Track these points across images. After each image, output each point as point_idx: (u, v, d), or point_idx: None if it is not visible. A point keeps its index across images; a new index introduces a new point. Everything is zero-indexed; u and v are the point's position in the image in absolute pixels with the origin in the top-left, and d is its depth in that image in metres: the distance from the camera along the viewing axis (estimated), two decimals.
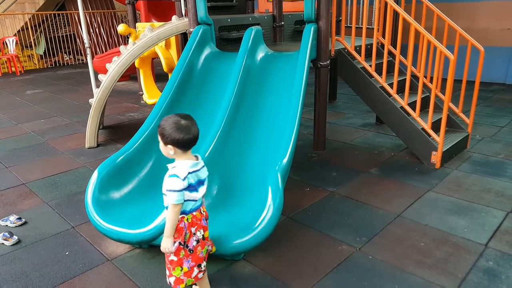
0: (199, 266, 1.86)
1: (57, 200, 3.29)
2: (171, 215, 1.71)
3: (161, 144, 1.74)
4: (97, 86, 4.66)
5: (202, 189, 1.80)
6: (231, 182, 2.81)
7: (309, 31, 3.63)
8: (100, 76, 4.52)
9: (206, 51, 3.87)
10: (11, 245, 2.66)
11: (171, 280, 1.83)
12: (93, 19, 11.27)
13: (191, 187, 1.73)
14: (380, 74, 3.89)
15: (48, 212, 3.10)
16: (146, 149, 3.05)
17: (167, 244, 1.74)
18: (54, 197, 3.34)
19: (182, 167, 1.70)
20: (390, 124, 4.04)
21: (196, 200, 1.78)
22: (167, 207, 1.75)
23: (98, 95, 4.45)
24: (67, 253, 2.55)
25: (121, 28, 5.40)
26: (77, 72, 10.69)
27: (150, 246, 2.54)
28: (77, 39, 12.38)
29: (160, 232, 2.36)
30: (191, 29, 3.95)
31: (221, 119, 3.05)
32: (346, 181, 3.47)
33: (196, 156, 1.81)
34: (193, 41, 3.78)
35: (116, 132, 5.21)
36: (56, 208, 3.16)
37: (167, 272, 1.85)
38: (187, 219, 1.78)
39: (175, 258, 1.80)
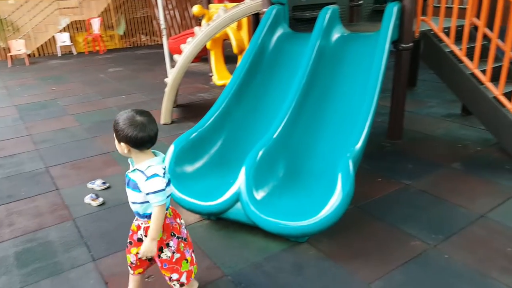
0: (193, 250, 1.88)
1: None
2: (160, 216, 1.62)
3: (116, 141, 1.62)
4: (172, 66, 4.98)
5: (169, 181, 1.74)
6: (299, 165, 2.86)
7: (392, 10, 3.46)
8: (175, 57, 4.81)
9: (278, 32, 3.90)
10: (97, 206, 3.04)
11: (183, 278, 1.77)
12: (169, 1, 11.87)
13: (167, 183, 1.67)
14: (471, 59, 3.59)
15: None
16: (217, 127, 3.22)
17: (152, 247, 1.64)
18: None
19: (156, 165, 1.61)
20: (479, 116, 3.73)
21: (170, 195, 1.73)
22: (141, 215, 1.70)
23: (173, 74, 4.75)
24: None
25: (195, 9, 5.65)
26: (153, 52, 11.44)
27: (217, 219, 2.72)
28: (154, 21, 13.20)
29: (227, 206, 2.53)
30: (264, 9, 4.00)
31: (291, 101, 3.08)
32: (423, 174, 3.32)
33: (154, 153, 1.69)
34: (265, 21, 3.83)
35: (188, 110, 5.54)
36: None
37: (175, 276, 1.76)
38: (169, 213, 1.75)
39: (178, 255, 1.75)
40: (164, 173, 1.61)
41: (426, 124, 4.52)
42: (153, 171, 1.57)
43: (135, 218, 1.79)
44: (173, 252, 1.71)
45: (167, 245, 1.70)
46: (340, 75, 3.39)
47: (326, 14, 3.59)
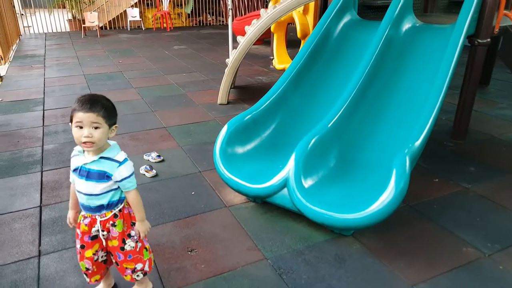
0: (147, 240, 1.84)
1: (189, 146, 3.77)
2: (139, 197, 1.65)
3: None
4: (234, 47, 5.01)
5: None
6: (352, 156, 2.77)
7: (472, 3, 3.17)
8: (238, 38, 4.84)
9: (346, 19, 3.76)
10: (150, 177, 3.19)
11: (147, 267, 1.77)
12: None
13: None
14: None
15: (181, 155, 3.59)
16: (271, 112, 3.21)
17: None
18: (187, 143, 3.84)
19: (120, 150, 1.62)
20: None
21: None
22: (104, 205, 1.63)
23: (234, 55, 4.80)
24: (192, 192, 2.94)
25: None
26: (217, 32, 11.64)
27: (263, 202, 2.74)
28: (221, 1, 13.36)
29: (274, 191, 2.53)
30: None
31: (350, 90, 2.98)
32: (485, 179, 3.07)
33: None
34: (333, 7, 3.71)
35: (245, 92, 5.58)
36: (188, 152, 3.63)
37: (140, 266, 1.74)
38: (126, 203, 1.70)
39: (140, 244, 1.73)
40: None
41: (495, 126, 4.15)
42: (123, 156, 1.58)
43: (82, 218, 1.69)
44: (136, 241, 1.68)
45: (129, 235, 1.66)
46: (407, 67, 3.20)
47: (399, 2, 3.39)
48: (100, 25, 11.53)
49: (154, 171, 3.24)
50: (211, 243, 2.36)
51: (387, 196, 2.15)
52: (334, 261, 2.20)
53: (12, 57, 7.95)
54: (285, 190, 2.49)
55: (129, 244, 1.66)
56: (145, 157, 3.51)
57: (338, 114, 2.83)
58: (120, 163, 1.55)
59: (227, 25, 5.84)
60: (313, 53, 3.52)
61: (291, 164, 2.52)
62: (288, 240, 2.38)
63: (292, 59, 5.79)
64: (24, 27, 11.85)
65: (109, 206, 1.63)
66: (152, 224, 2.50)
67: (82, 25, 10.95)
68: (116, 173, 1.56)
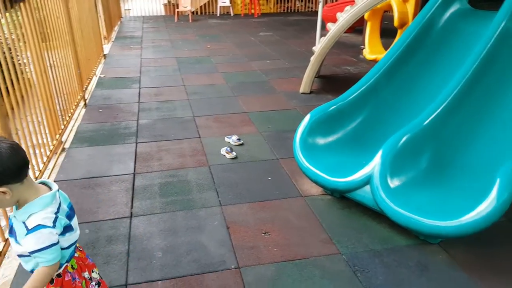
0: None
1: (269, 133, 3.86)
2: (43, 278, 1.23)
3: None
4: (322, 35, 4.95)
5: (75, 222, 1.38)
6: (448, 159, 2.59)
7: None
8: (329, 25, 4.77)
9: (454, 8, 3.46)
10: (230, 159, 3.35)
11: None
12: None
13: (67, 228, 1.31)
14: None
15: (260, 140, 3.70)
16: (359, 104, 3.13)
17: None
18: (267, 129, 3.93)
19: (42, 209, 1.23)
20: None
21: (76, 241, 1.38)
22: (32, 271, 1.28)
23: (322, 43, 4.74)
24: (269, 178, 3.02)
25: None
26: (305, 19, 11.57)
27: (341, 197, 2.71)
28: None
29: (355, 186, 2.49)
30: None
31: (454, 86, 2.76)
32: None
33: (44, 184, 1.32)
34: None
35: (329, 82, 5.51)
36: (267, 138, 3.73)
37: None
38: (72, 266, 1.37)
39: None
40: (55, 219, 1.23)
41: None
42: (35, 222, 1.19)
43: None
44: None
45: None
46: None
47: None
48: (192, 10, 12.20)
49: (234, 153, 3.40)
50: (284, 229, 2.42)
51: (486, 206, 1.99)
52: (415, 268, 2.11)
53: (114, 37, 8.84)
54: (367, 187, 2.44)
55: None
56: (226, 139, 3.68)
57: (437, 112, 2.65)
58: (28, 231, 1.19)
59: (316, 11, 5.78)
60: (412, 44, 3.32)
61: (377, 160, 2.45)
62: (365, 239, 2.34)
63: (385, 50, 5.54)
64: (124, 10, 13.05)
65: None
66: (230, 203, 2.69)
67: (176, 10, 11.70)
68: (22, 241, 1.22)
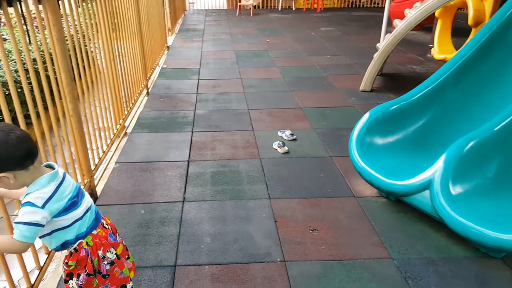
0: (123, 287, 1.60)
1: (323, 129, 3.81)
2: (6, 246, 1.31)
3: None
4: (388, 31, 4.77)
5: (85, 202, 1.46)
6: None
7: None
8: (396, 21, 4.59)
9: None
10: (281, 153, 3.37)
11: None
12: None
13: (66, 209, 1.37)
14: None
15: (314, 136, 3.67)
16: (423, 105, 2.99)
17: None
18: (321, 126, 3.89)
19: (36, 190, 1.31)
20: None
21: (82, 217, 1.43)
22: (54, 249, 1.45)
23: (388, 40, 4.57)
24: (321, 175, 2.99)
25: None
26: (370, 15, 11.21)
27: (397, 200, 2.61)
28: None
29: (413, 191, 2.39)
30: None
31: None
32: None
33: (50, 167, 1.40)
34: None
35: (392, 81, 5.30)
36: (321, 135, 3.69)
37: None
38: (87, 243, 1.44)
39: None
40: (46, 200, 1.30)
41: None
42: (28, 199, 1.29)
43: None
44: (80, 286, 1.45)
45: (78, 275, 1.45)
46: None
47: None
48: (254, 4, 12.33)
49: (286, 148, 3.40)
50: (333, 228, 2.39)
51: None
52: (473, 281, 1.98)
53: (178, 30, 9.22)
54: (426, 192, 2.33)
55: (72, 284, 1.47)
56: (279, 133, 3.70)
57: (510, 118, 2.45)
58: (21, 205, 1.31)
59: (382, 7, 5.58)
60: (487, 44, 3.09)
61: (439, 165, 2.33)
62: (420, 246, 2.24)
63: (456, 50, 5.21)
64: (189, 3, 13.53)
65: (59, 249, 1.46)
66: (279, 196, 2.71)
67: (238, 3, 11.90)
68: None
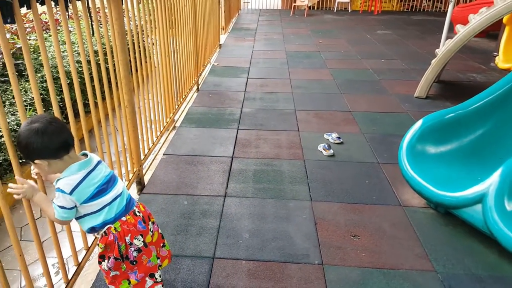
0: (151, 276, 1.65)
1: (372, 135, 3.73)
2: (48, 209, 1.46)
3: (31, 163, 1.44)
4: (449, 37, 4.56)
5: (115, 189, 1.53)
6: None
7: None
8: (458, 27, 4.38)
9: None
10: (327, 156, 3.35)
11: None
12: None
13: (94, 196, 1.46)
14: None
15: (362, 141, 3.60)
16: (481, 115, 2.85)
17: (29, 191, 1.48)
18: (371, 131, 3.81)
19: (68, 176, 1.42)
20: None
21: (109, 204, 1.50)
22: (87, 231, 1.56)
23: (448, 46, 4.38)
24: (366, 181, 2.94)
25: None
26: (430, 19, 10.77)
27: (446, 213, 2.51)
28: None
29: (464, 204, 2.29)
30: None
31: None
32: None
33: (85, 154, 1.51)
34: None
35: (450, 89, 5.06)
36: (369, 140, 3.61)
37: (111, 287, 1.63)
38: (115, 228, 1.51)
39: (116, 273, 1.58)
40: (74, 186, 1.42)
41: None
42: (58, 185, 1.42)
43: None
44: (110, 268, 1.56)
45: (109, 258, 1.55)
46: None
47: None
48: (309, 5, 12.29)
49: (332, 151, 3.38)
50: (376, 236, 2.35)
51: None
52: None
53: (231, 28, 9.42)
54: (478, 206, 2.23)
55: (104, 266, 1.58)
56: (325, 136, 3.68)
57: None
58: (55, 189, 1.44)
59: (444, 11, 5.36)
60: None
61: (494, 179, 2.21)
62: (468, 262, 2.13)
63: None
64: (243, 2, 13.77)
65: (91, 232, 1.57)
66: (321, 199, 2.70)
67: (293, 4, 11.93)
68: None
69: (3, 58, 3.71)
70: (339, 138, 3.61)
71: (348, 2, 12.52)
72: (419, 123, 2.87)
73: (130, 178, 2.70)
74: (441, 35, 5.20)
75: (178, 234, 2.34)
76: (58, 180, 1.43)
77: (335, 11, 12.58)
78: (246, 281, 2.01)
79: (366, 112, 4.29)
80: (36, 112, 1.61)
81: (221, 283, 2.00)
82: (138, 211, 1.59)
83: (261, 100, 4.62)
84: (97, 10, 2.24)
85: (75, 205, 1.44)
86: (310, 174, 3.04)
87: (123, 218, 1.52)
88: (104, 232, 1.51)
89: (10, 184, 1.47)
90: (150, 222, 1.62)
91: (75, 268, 2.00)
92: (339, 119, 4.12)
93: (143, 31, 3.05)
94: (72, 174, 1.42)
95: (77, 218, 1.51)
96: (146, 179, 2.93)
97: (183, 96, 4.36)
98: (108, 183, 1.51)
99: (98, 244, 1.54)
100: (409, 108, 4.38)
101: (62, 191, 1.40)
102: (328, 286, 1.98)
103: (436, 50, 4.70)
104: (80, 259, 2.04)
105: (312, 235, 2.35)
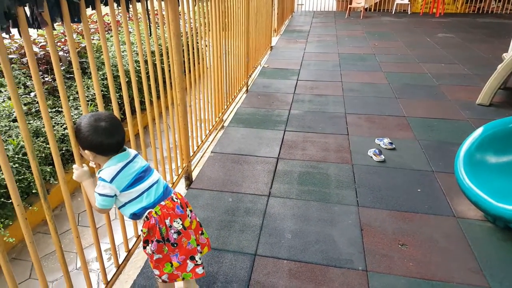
0: (192, 258, 1.71)
1: (428, 142, 3.59)
2: (92, 197, 1.59)
3: (80, 148, 1.59)
4: None
5: (151, 177, 1.64)
6: None
7: None
8: None
9: None
10: (377, 161, 3.27)
11: (164, 277, 1.71)
12: None
13: (132, 184, 1.59)
14: None
15: (416, 148, 3.48)
16: None
17: (81, 175, 1.62)
18: (426, 138, 3.67)
19: (109, 167, 1.56)
20: None
21: (147, 190, 1.62)
22: (129, 217, 1.66)
23: None
24: (418, 190, 2.84)
25: None
26: (498, 22, 10.13)
27: (505, 227, 2.37)
28: None
29: None
30: None
31: None
32: None
33: (124, 149, 1.62)
34: None
35: None
36: (424, 148, 3.48)
37: (157, 272, 1.71)
38: (156, 212, 1.61)
39: (160, 256, 1.67)
40: (114, 176, 1.55)
41: None
42: (100, 174, 1.56)
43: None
44: (153, 252, 1.67)
45: (152, 241, 1.66)
46: None
47: None
48: (366, 7, 12.04)
49: (383, 156, 3.30)
50: (426, 246, 2.26)
51: None
52: None
53: (283, 30, 9.49)
54: None
55: (148, 250, 1.68)
56: (376, 141, 3.60)
57: None
58: (98, 179, 1.58)
59: None
60: None
61: None
62: None
63: None
64: (297, 4, 13.79)
65: (132, 218, 1.68)
66: (368, 205, 2.65)
67: (348, 6, 11.75)
68: None
69: (69, 56, 4.06)
70: (391, 143, 3.52)
71: (408, 4, 12.10)
72: (479, 131, 2.73)
73: (179, 173, 2.83)
74: (510, 38, 4.89)
75: (222, 229, 2.42)
76: (100, 170, 1.58)
77: (393, 13, 12.21)
78: (287, 280, 2.03)
79: (422, 118, 4.14)
80: (97, 107, 1.76)
81: (262, 280, 2.04)
82: (175, 198, 1.70)
83: (310, 103, 4.62)
84: (155, 12, 2.39)
85: (115, 194, 1.57)
86: (358, 179, 2.99)
87: (162, 203, 1.64)
88: (146, 217, 1.62)
89: (74, 166, 1.64)
90: (187, 209, 1.72)
91: (125, 254, 2.14)
92: (392, 124, 4.00)
93: (197, 33, 3.19)
94: (113, 165, 1.56)
95: (119, 208, 1.65)
96: (194, 175, 3.05)
97: (233, 97, 4.47)
98: (145, 172, 1.65)
99: (141, 230, 1.65)
100: (469, 116, 4.16)
101: (104, 180, 1.53)
102: None
103: (504, 54, 4.43)
104: (130, 246, 2.18)
105: (357, 241, 2.32)
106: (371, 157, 3.33)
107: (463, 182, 2.54)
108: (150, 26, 2.31)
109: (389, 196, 2.76)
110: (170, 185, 2.29)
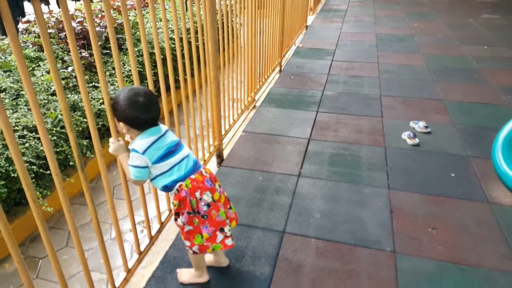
0: (221, 230, 1.75)
1: (465, 126, 3.47)
2: (127, 169, 1.63)
3: (115, 119, 1.61)
4: None
5: (181, 152, 1.68)
6: None
7: None
8: None
9: None
10: (411, 145, 3.20)
11: (195, 248, 1.75)
12: None
13: (164, 157, 1.62)
14: None
15: (452, 132, 3.37)
16: None
17: (118, 149, 1.66)
18: (463, 122, 3.54)
19: (142, 139, 1.59)
20: None
21: (178, 163, 1.65)
22: (161, 189, 1.72)
23: None
24: (452, 174, 2.77)
25: None
26: None
27: None
28: None
29: None
30: None
31: None
32: None
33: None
34: None
35: None
36: (460, 132, 3.37)
37: (187, 243, 1.75)
38: (186, 185, 1.65)
39: (190, 227, 1.71)
40: (146, 148, 1.58)
41: None
42: (133, 146, 1.60)
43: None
44: (184, 224, 1.71)
45: (183, 214, 1.69)
46: None
47: None
48: None
49: (417, 140, 3.22)
50: (457, 231, 2.22)
51: None
52: None
53: (319, 9, 9.26)
54: None
55: (179, 222, 1.73)
56: (411, 124, 3.51)
57: None
58: (131, 150, 1.62)
59: None
60: None
61: None
62: None
63: None
64: None
65: (164, 190, 1.73)
66: (400, 188, 2.62)
67: None
68: None
69: (106, 32, 4.16)
70: (426, 127, 3.42)
71: None
72: None
73: (211, 151, 2.89)
74: None
75: (252, 207, 2.47)
76: (132, 142, 1.62)
77: None
78: (314, 258, 2.06)
79: (460, 101, 3.98)
80: (132, 84, 1.81)
81: (289, 257, 2.08)
82: (205, 172, 1.74)
83: (344, 84, 4.53)
84: None
85: (147, 165, 1.61)
86: (391, 162, 2.95)
87: (192, 176, 1.67)
88: (177, 189, 1.67)
89: (110, 139, 1.70)
90: (216, 184, 1.76)
91: (158, 226, 2.23)
92: (429, 107, 3.88)
93: (232, 11, 3.18)
94: (145, 138, 1.60)
95: (151, 180, 1.70)
96: (226, 153, 3.10)
97: (266, 77, 4.46)
98: (176, 146, 1.69)
99: (172, 202, 1.70)
100: (510, 100, 3.96)
101: (136, 151, 1.58)
102: (399, 274, 1.95)
103: None
104: (163, 219, 2.27)
105: (386, 223, 2.30)
106: (405, 140, 3.26)
107: (500, 167, 2.46)
108: (186, 2, 2.33)
109: (422, 180, 2.71)
110: (202, 163, 2.36)
